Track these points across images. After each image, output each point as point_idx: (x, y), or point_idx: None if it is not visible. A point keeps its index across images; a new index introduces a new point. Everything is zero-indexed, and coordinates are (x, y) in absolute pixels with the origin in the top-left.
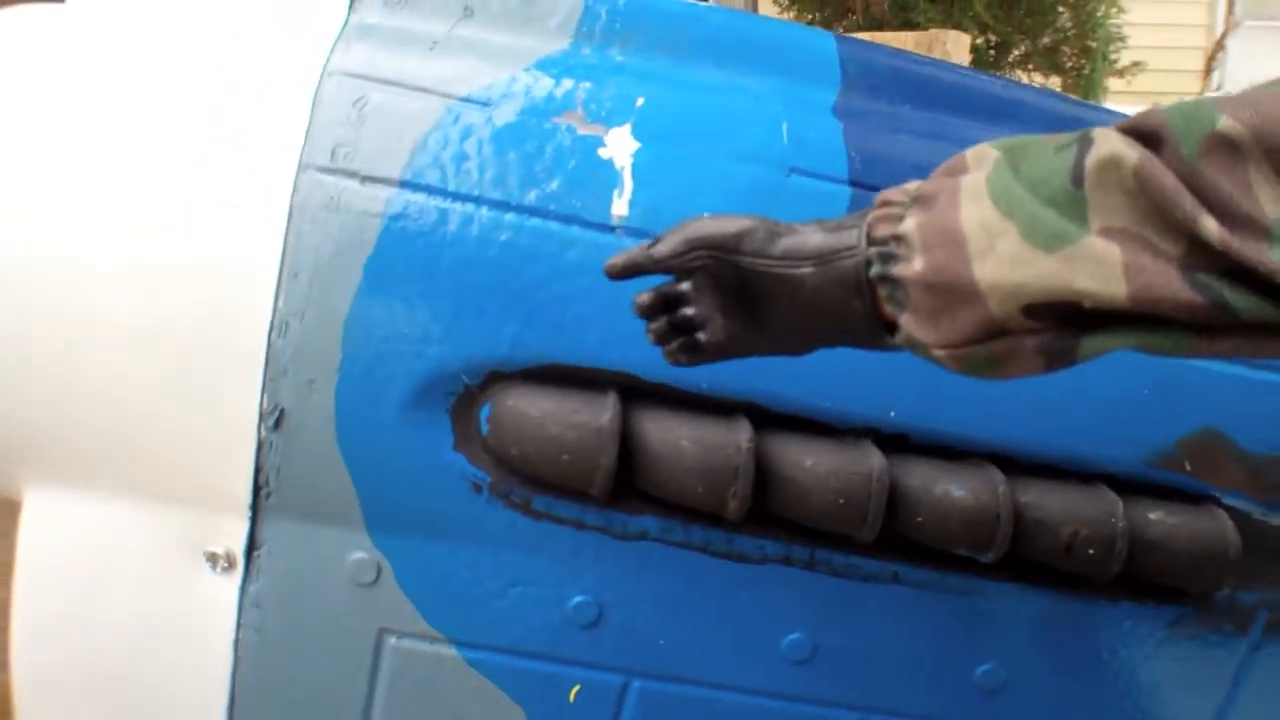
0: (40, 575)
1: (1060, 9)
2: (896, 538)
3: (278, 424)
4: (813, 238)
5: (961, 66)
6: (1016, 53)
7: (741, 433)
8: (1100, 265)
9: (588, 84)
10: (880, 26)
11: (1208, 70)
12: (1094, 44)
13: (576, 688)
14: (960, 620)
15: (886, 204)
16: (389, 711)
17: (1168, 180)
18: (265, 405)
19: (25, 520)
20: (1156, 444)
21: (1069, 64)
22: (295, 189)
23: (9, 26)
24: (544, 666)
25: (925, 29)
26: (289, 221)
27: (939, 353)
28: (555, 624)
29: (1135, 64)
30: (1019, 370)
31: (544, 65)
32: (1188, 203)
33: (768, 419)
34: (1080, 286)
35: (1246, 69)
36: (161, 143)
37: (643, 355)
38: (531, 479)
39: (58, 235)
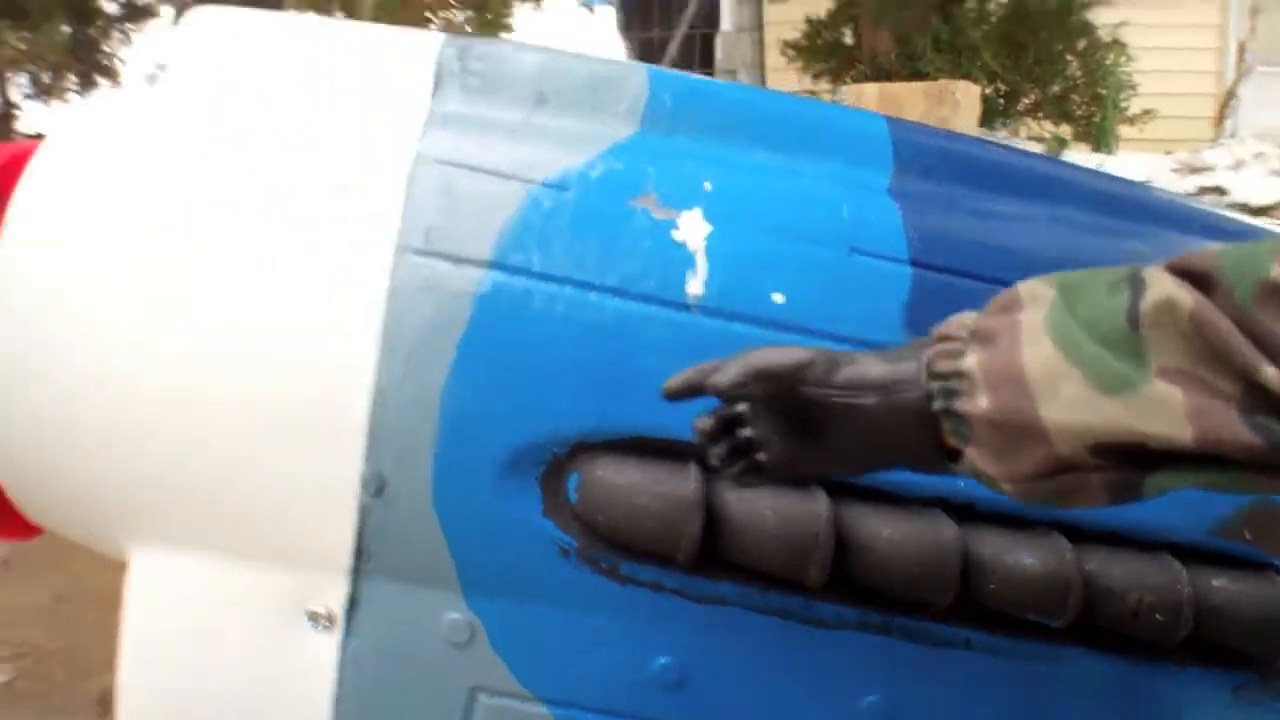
0: (147, 633)
1: (1069, 58)
2: (969, 604)
3: (379, 491)
4: (874, 368)
5: (1005, 145)
6: (1026, 101)
7: (820, 503)
8: (1164, 409)
9: (658, 169)
10: (888, 76)
11: (1220, 117)
12: (1104, 92)
13: None
14: (1031, 685)
15: (945, 339)
16: None
17: (1223, 325)
18: (366, 474)
19: (132, 578)
20: (1217, 513)
21: (1079, 112)
22: (393, 271)
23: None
24: None
25: (934, 79)
26: (388, 302)
27: (1006, 486)
28: (641, 684)
29: (1146, 112)
30: (1085, 503)
31: (616, 151)
32: (1246, 349)
33: (845, 490)
34: (1145, 429)
35: (1260, 115)
36: (271, 224)
37: None
38: (618, 545)
39: (167, 308)
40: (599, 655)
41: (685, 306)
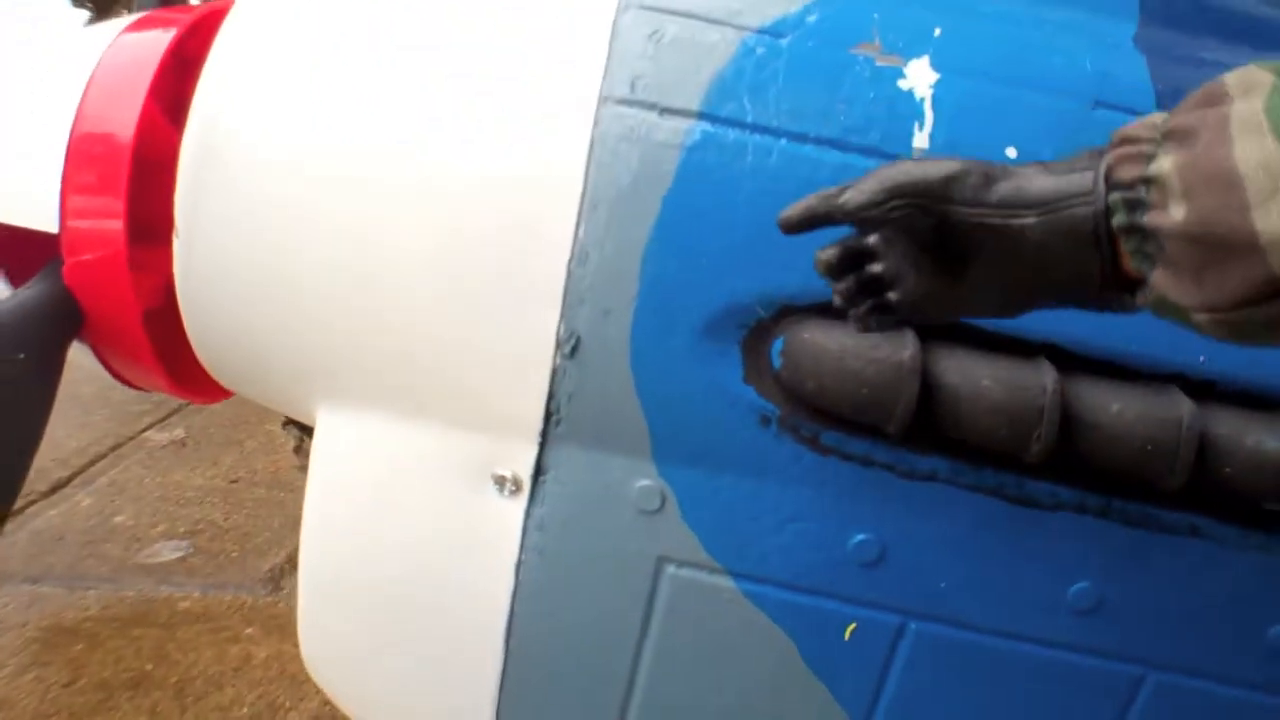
0: (332, 490)
1: None
2: (1198, 489)
3: (573, 351)
4: (1037, 181)
5: None
6: None
7: (1047, 375)
8: None
9: (883, 13)
10: None
11: None
12: None
13: (852, 626)
14: (1258, 578)
15: (1129, 140)
16: (663, 638)
17: None
18: (561, 333)
19: (320, 438)
20: None
21: None
22: (596, 121)
23: None
24: (821, 603)
25: None
26: (590, 153)
27: (1201, 317)
28: (835, 561)
29: None
30: None
31: None
32: None
33: (1070, 362)
34: None
35: None
36: (469, 71)
37: None
38: (823, 413)
39: (364, 158)
40: (793, 529)
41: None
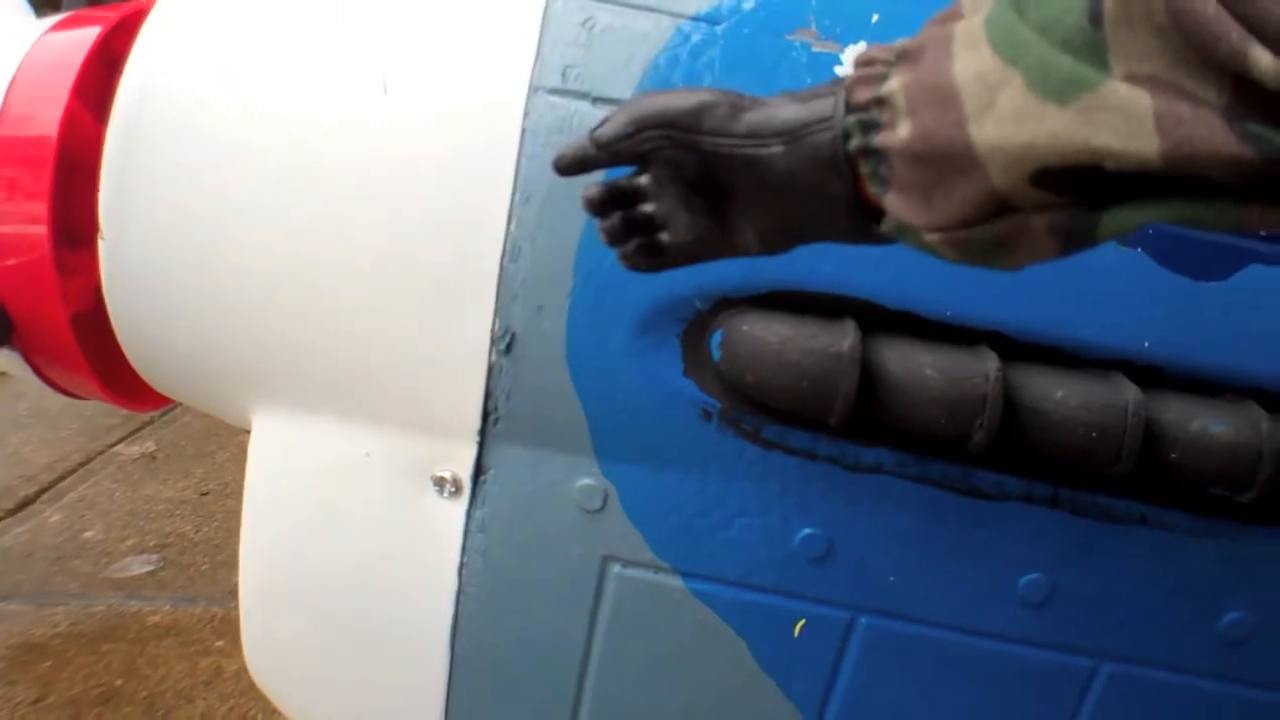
0: (270, 497)
1: None
2: (1146, 476)
3: (508, 348)
4: (783, 110)
5: None
6: None
7: (989, 362)
8: (1126, 116)
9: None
10: None
11: None
12: None
13: (802, 622)
14: (1209, 566)
15: (868, 63)
16: (611, 639)
17: (1208, 8)
18: (496, 330)
19: (255, 443)
20: None
21: None
22: (527, 112)
23: None
24: (769, 599)
25: None
26: (521, 144)
27: (932, 237)
28: (782, 557)
29: None
30: (1029, 256)
31: None
32: (1234, 33)
33: (1012, 349)
34: (1101, 144)
35: None
36: (399, 62)
37: (882, 280)
38: (763, 407)
39: (292, 155)
40: (738, 525)
41: None
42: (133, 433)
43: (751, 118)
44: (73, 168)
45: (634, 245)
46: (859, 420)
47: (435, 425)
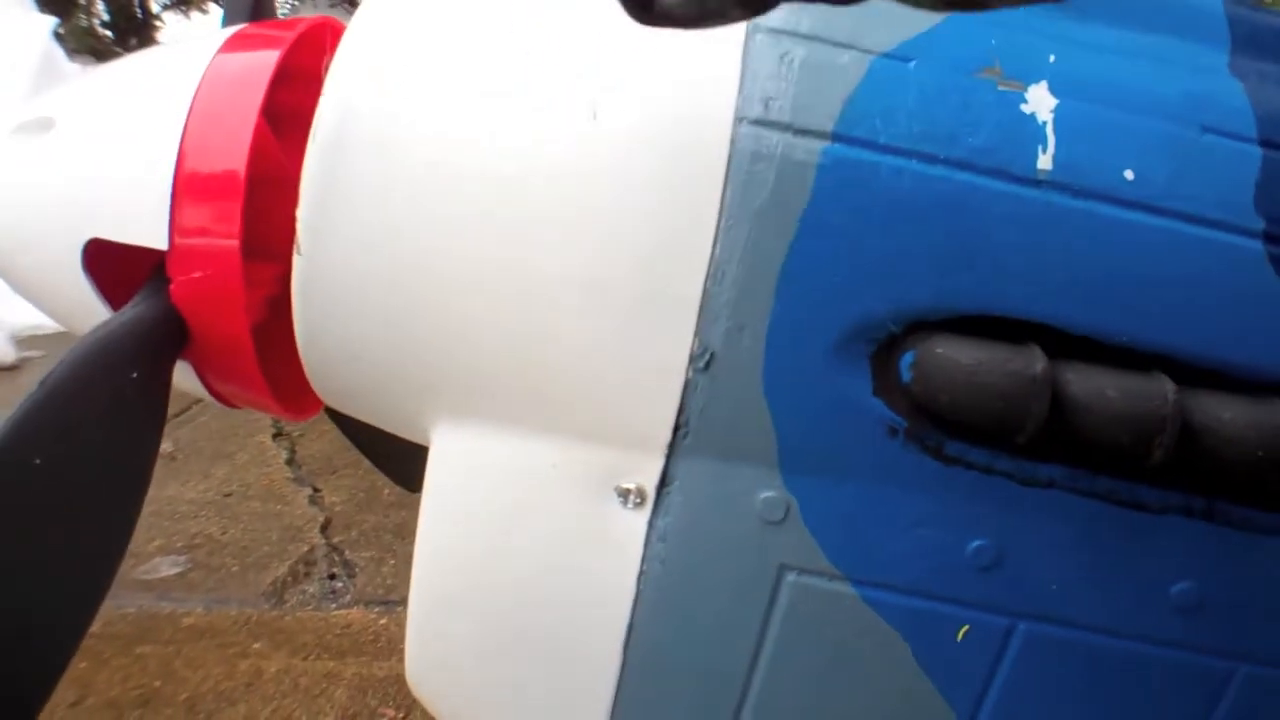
0: (451, 507)
1: None
2: None
3: (707, 366)
4: None
5: None
6: None
7: (1166, 385)
8: None
9: (999, 41)
10: None
11: None
12: None
13: (965, 628)
14: None
15: None
16: (781, 643)
17: None
18: (695, 349)
19: (436, 454)
20: None
21: None
22: (732, 140)
23: None
24: (936, 606)
25: None
26: (727, 172)
27: None
28: (952, 566)
29: None
30: None
31: (954, 22)
32: None
33: (1183, 373)
34: None
35: None
36: (604, 89)
37: (1064, 308)
38: (949, 424)
39: (496, 175)
40: (913, 536)
41: (1036, 182)
42: None
43: None
44: (256, 183)
45: None
46: (1042, 438)
47: (624, 438)
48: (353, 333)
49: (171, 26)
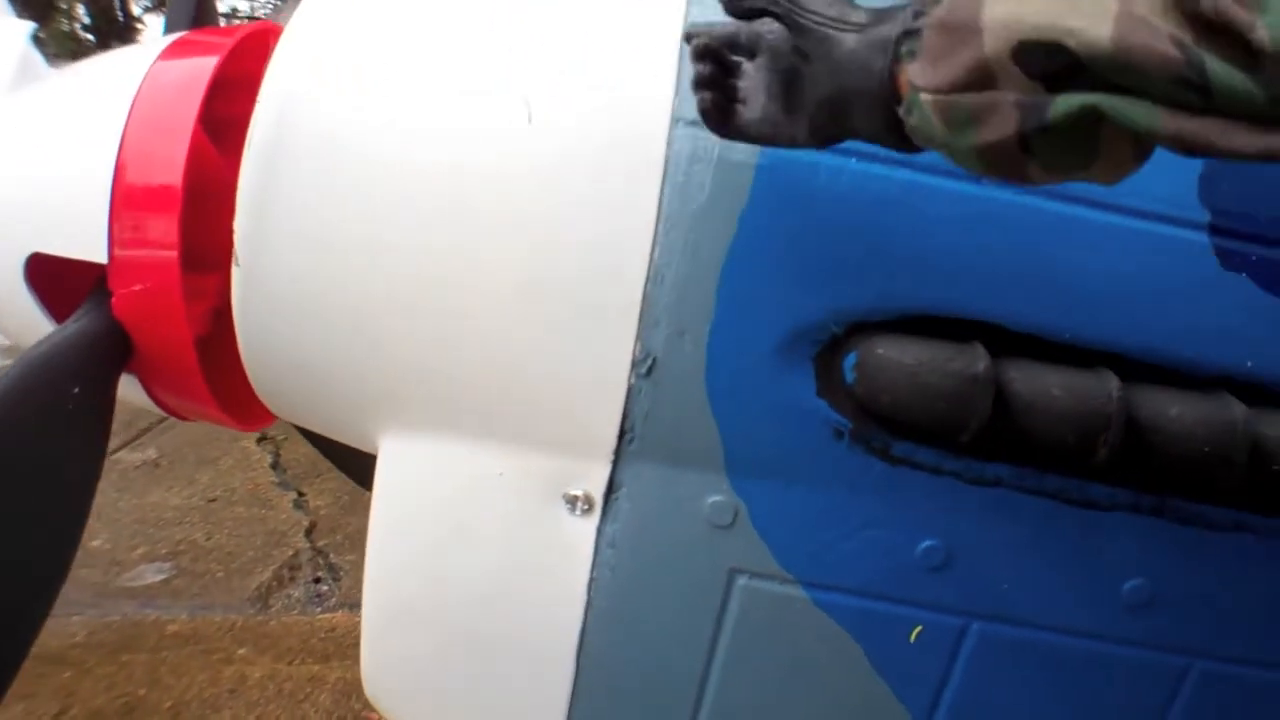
0: (400, 517)
1: None
2: (1248, 487)
3: (649, 372)
4: (866, 9)
5: None
6: None
7: (1110, 382)
8: (1095, 8)
9: None
10: None
11: None
12: None
13: (918, 629)
14: None
15: None
16: (733, 648)
17: None
18: (637, 354)
19: (384, 464)
20: None
21: None
22: (669, 142)
23: None
24: (888, 608)
25: None
26: (664, 174)
27: (927, 98)
28: (903, 567)
29: None
30: (992, 132)
31: None
32: None
33: (1125, 369)
34: (1070, 24)
35: None
36: (539, 92)
37: (1007, 306)
38: (895, 425)
39: (440, 179)
40: (862, 537)
41: (976, 180)
42: (133, 439)
43: (842, 7)
44: (194, 194)
45: (712, 97)
46: (987, 437)
47: (570, 445)
48: (294, 343)
49: (153, 29)
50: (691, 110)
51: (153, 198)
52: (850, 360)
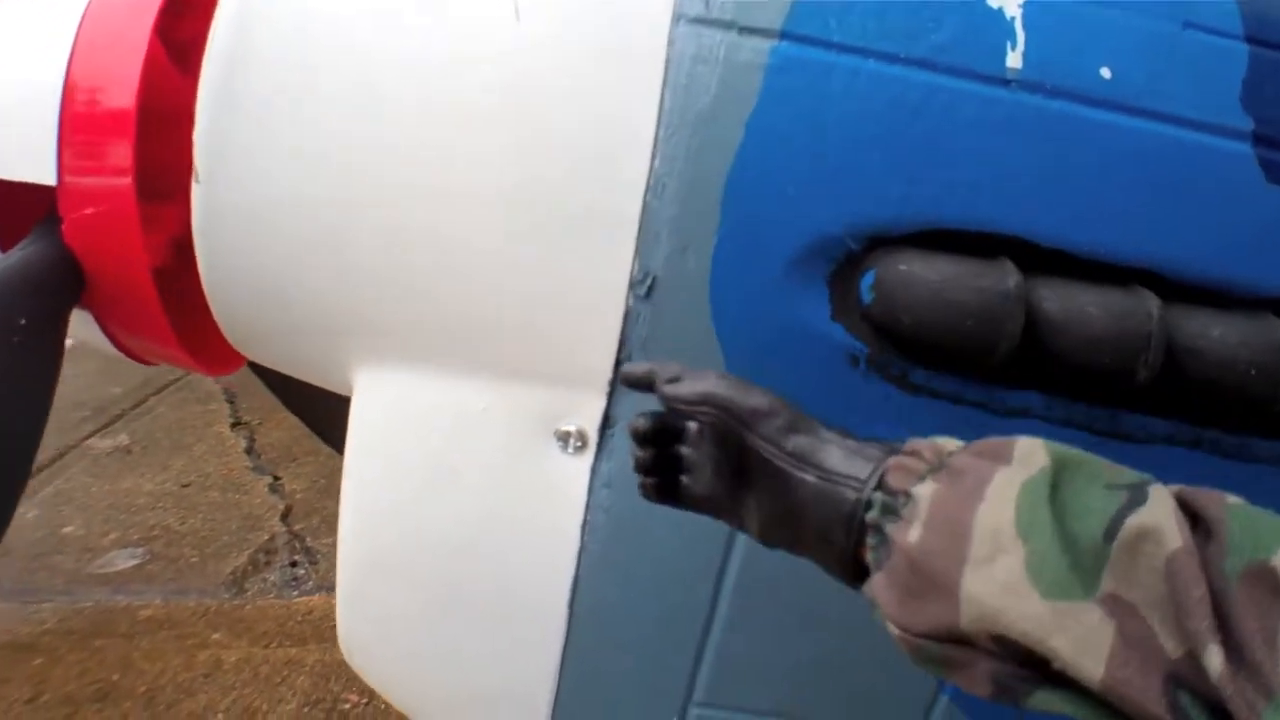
0: (377, 460)
1: None
2: None
3: (649, 293)
4: (828, 451)
5: None
6: None
7: (1149, 300)
8: (1088, 637)
9: None
10: None
11: None
12: None
13: None
14: None
15: (913, 454)
16: (738, 593)
17: (1196, 589)
18: (635, 273)
19: (359, 403)
20: None
21: None
22: (670, 41)
23: None
24: None
25: None
26: (665, 76)
27: (893, 629)
28: None
29: None
30: (964, 683)
31: None
32: (1204, 622)
33: (1168, 289)
34: (1056, 645)
35: None
36: None
37: (1037, 219)
38: (915, 351)
39: (418, 79)
40: None
41: (1004, 81)
42: (105, 426)
43: (800, 442)
44: (150, 114)
45: (654, 482)
46: (1016, 361)
47: (561, 376)
48: (260, 266)
49: None
50: (696, 6)
51: (106, 117)
52: (868, 279)
